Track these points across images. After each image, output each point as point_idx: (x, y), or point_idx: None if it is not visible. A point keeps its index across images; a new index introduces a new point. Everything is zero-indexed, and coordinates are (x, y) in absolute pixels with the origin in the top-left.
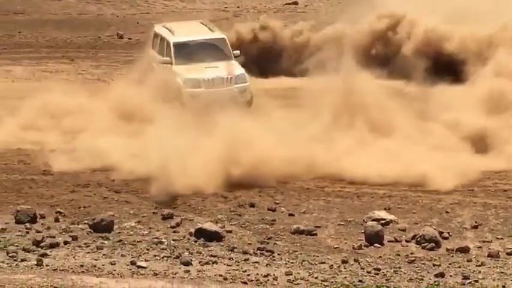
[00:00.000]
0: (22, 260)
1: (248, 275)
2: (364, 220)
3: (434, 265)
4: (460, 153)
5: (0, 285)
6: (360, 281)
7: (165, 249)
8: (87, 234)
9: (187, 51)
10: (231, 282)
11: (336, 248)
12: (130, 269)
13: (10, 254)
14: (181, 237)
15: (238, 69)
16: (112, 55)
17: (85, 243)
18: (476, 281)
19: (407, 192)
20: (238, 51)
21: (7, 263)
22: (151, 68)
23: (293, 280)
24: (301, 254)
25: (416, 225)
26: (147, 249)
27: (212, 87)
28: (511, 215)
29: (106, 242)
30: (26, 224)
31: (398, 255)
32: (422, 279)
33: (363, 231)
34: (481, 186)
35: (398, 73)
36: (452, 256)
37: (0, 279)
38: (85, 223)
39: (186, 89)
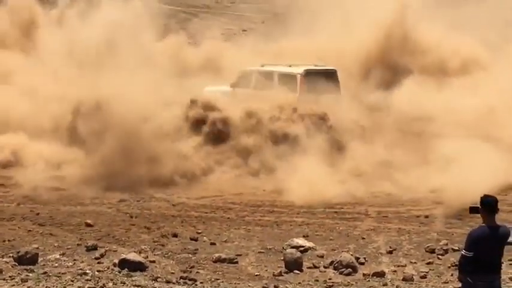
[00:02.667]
0: None
1: None
2: (283, 247)
3: None
4: None
5: None
6: None
7: (90, 280)
8: (12, 267)
9: None
10: None
11: (256, 275)
12: None
13: None
14: (106, 268)
15: None
16: None
17: (10, 276)
18: None
19: (324, 219)
20: None
21: None
22: None
23: None
24: (223, 282)
25: (333, 251)
26: (72, 281)
27: None
28: (423, 239)
29: (31, 274)
30: None
31: (317, 280)
32: None
33: (282, 258)
34: (395, 213)
35: None
36: (369, 281)
37: None
38: (10, 256)
39: None
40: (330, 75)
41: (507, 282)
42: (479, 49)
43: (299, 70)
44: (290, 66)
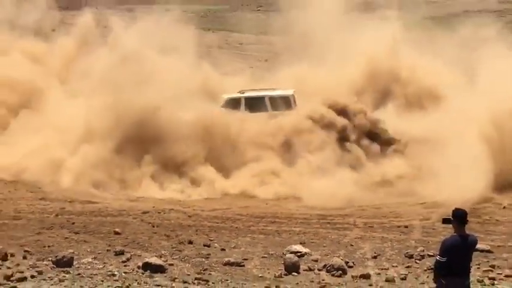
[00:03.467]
0: None
1: None
2: (283, 253)
3: None
4: None
5: None
6: None
7: (117, 280)
8: (51, 269)
9: None
10: None
11: (260, 276)
12: None
13: None
14: (131, 270)
15: None
16: None
17: (49, 277)
18: None
19: (318, 229)
20: None
21: None
22: None
23: None
24: (231, 282)
25: (326, 256)
26: (102, 281)
27: None
28: (403, 246)
29: (67, 275)
30: None
31: (312, 281)
32: None
33: (282, 262)
34: (379, 224)
35: None
36: (357, 281)
37: None
38: (49, 260)
39: None
40: None
41: (475, 284)
42: (451, 77)
43: (290, 92)
44: (274, 89)
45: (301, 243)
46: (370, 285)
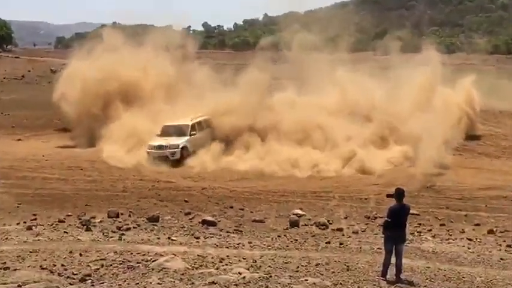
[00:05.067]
0: (111, 237)
1: (229, 243)
2: (289, 214)
3: (325, 237)
4: None
5: (98, 250)
6: (287, 245)
7: (186, 230)
8: (145, 223)
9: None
10: (220, 247)
11: (274, 229)
12: (167, 241)
13: (104, 234)
14: (195, 224)
15: None
16: None
17: (144, 228)
18: (346, 245)
19: (310, 200)
20: None
21: (102, 238)
22: None
23: (252, 246)
24: (256, 232)
25: (315, 217)
26: (177, 231)
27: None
28: (364, 211)
29: (155, 227)
30: (113, 218)
31: (307, 232)
32: (319, 244)
33: (288, 220)
34: (349, 197)
35: None
36: (334, 232)
37: (98, 247)
38: (144, 217)
39: None
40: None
41: (409, 235)
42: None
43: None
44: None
45: (300, 209)
46: (343, 235)
